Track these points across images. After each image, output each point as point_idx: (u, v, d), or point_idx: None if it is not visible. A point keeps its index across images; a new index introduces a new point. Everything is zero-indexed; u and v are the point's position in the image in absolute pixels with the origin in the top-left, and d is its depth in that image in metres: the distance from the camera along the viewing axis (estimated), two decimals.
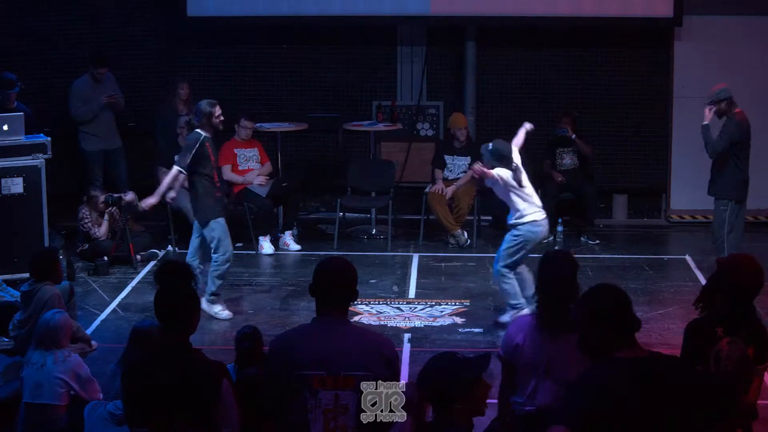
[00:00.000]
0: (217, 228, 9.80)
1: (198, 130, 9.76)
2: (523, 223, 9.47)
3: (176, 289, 4.98)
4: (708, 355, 5.48)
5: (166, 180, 9.92)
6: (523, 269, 9.64)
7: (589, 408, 4.19)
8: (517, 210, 9.49)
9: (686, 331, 5.72)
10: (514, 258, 9.53)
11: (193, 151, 9.67)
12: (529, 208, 9.50)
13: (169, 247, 12.01)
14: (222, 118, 9.90)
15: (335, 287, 4.90)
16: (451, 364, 4.74)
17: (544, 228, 9.61)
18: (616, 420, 4.17)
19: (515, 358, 5.76)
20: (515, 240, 9.50)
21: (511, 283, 9.55)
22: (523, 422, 5.73)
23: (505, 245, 9.56)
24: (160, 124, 12.88)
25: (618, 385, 4.21)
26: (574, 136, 12.75)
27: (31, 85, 12.85)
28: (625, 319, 4.37)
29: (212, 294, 9.92)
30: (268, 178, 12.48)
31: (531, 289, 9.32)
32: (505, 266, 9.54)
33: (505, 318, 9.61)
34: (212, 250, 9.88)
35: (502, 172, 9.42)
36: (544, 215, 9.62)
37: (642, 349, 4.38)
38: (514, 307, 9.56)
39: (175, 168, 9.77)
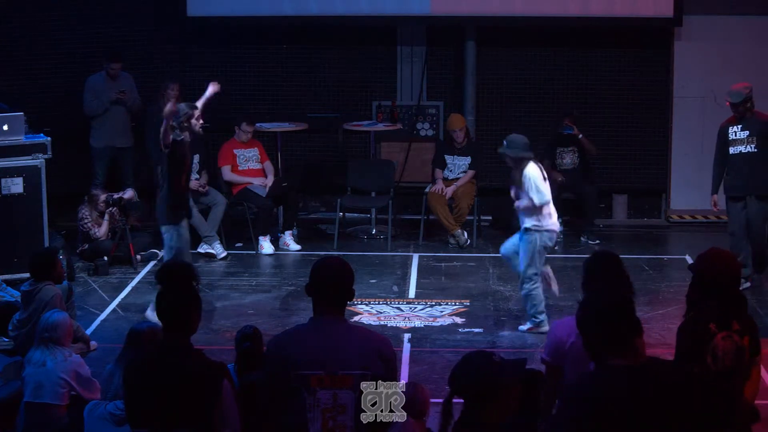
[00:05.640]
0: (167, 237, 9.60)
1: (178, 132, 9.58)
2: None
3: (178, 289, 4.98)
4: (704, 353, 5.47)
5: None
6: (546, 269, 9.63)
7: (581, 419, 4.14)
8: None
9: (679, 331, 5.69)
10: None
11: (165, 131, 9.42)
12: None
13: None
14: (201, 122, 9.73)
15: (332, 287, 4.90)
16: (485, 366, 4.61)
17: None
18: (608, 430, 4.14)
19: (566, 360, 5.53)
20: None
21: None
22: None
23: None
24: (150, 124, 12.88)
25: (610, 396, 4.15)
26: (581, 135, 12.76)
27: (31, 84, 12.89)
28: (622, 323, 4.31)
29: None
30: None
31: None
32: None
33: (524, 327, 9.62)
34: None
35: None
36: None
37: (639, 356, 4.32)
38: (535, 318, 9.54)
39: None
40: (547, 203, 9.37)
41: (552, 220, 9.44)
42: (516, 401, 4.73)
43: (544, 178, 9.42)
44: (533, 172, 9.34)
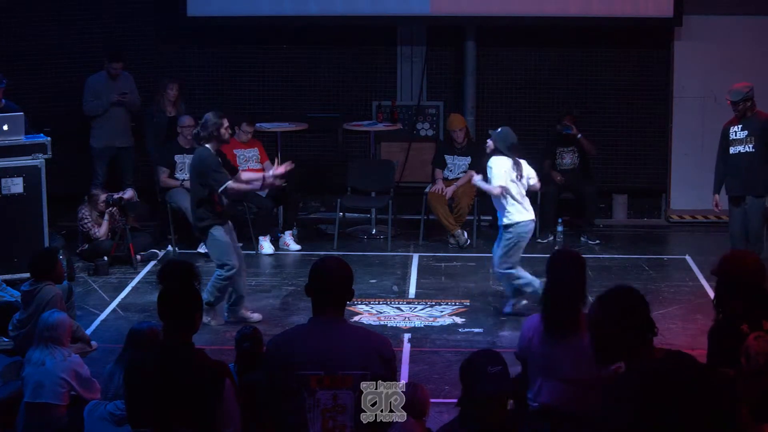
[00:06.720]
0: (213, 242, 9.64)
1: (207, 146, 9.53)
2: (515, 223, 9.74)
3: (179, 289, 4.98)
4: (737, 355, 5.46)
5: (245, 186, 9.82)
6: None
7: (634, 420, 4.14)
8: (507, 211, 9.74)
9: (709, 335, 5.70)
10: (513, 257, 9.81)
11: (218, 164, 9.46)
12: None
13: (169, 247, 12.02)
14: (229, 130, 9.74)
15: (331, 287, 4.89)
16: (473, 374, 4.71)
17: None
18: (658, 427, 4.15)
19: (527, 355, 5.91)
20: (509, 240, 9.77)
21: (521, 273, 9.80)
22: (533, 417, 5.83)
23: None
24: (149, 124, 12.88)
25: (655, 393, 4.16)
26: (580, 135, 12.76)
27: (31, 84, 12.88)
28: (643, 322, 4.30)
29: (206, 303, 9.77)
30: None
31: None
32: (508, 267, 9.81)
33: (508, 309, 9.89)
34: (216, 264, 9.74)
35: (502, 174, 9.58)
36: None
37: (660, 351, 4.32)
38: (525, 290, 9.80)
39: (223, 188, 9.43)
40: (506, 192, 9.65)
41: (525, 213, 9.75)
42: (504, 410, 4.78)
43: (519, 176, 9.72)
44: (498, 162, 9.67)
